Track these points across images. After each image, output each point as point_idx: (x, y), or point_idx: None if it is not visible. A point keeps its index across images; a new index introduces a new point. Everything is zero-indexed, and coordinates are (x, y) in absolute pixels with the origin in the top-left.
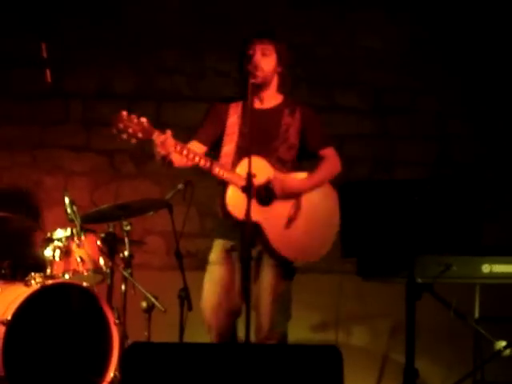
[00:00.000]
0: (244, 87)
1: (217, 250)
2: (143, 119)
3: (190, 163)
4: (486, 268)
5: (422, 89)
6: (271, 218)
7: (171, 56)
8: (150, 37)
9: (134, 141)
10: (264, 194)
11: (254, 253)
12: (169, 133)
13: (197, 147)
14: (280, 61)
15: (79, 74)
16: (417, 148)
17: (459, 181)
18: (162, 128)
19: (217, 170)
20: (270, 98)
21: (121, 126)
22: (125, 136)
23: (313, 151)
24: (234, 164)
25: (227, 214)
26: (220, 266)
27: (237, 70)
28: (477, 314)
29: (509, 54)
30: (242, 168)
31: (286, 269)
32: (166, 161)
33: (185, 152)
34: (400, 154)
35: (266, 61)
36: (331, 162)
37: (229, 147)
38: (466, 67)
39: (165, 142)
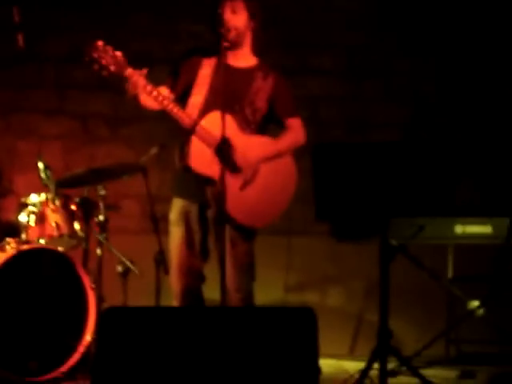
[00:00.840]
0: (217, 45)
1: (175, 210)
2: (118, 53)
3: (158, 106)
4: (458, 228)
5: (397, 50)
6: (228, 178)
7: (144, 18)
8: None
9: (105, 73)
10: (224, 151)
11: (211, 213)
12: (143, 72)
13: (165, 91)
14: (252, 17)
15: (51, 37)
16: (391, 110)
17: (431, 143)
18: None
19: (185, 118)
20: (245, 57)
21: (95, 55)
22: (96, 67)
23: (280, 119)
24: (200, 116)
25: (187, 168)
26: (179, 227)
27: (210, 29)
28: (450, 274)
29: (484, 14)
30: (208, 120)
31: (246, 229)
32: (136, 99)
33: (154, 93)
34: (374, 116)
35: (236, 18)
36: (296, 132)
37: (197, 98)
38: (442, 28)
39: (136, 81)
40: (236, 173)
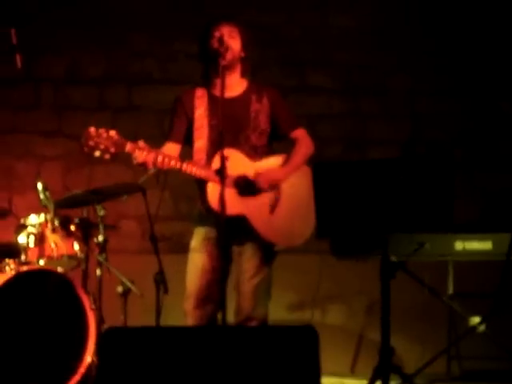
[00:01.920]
0: (207, 75)
1: (198, 237)
2: (112, 132)
3: (165, 167)
4: (458, 245)
5: (393, 67)
6: (255, 208)
7: (141, 39)
8: (119, 20)
9: (107, 156)
10: (243, 185)
11: (237, 240)
12: (141, 143)
13: (172, 148)
14: (243, 45)
15: (49, 58)
16: (388, 127)
17: (430, 159)
18: (133, 111)
19: (194, 171)
20: (236, 85)
21: (91, 143)
22: (97, 153)
23: (284, 134)
24: (209, 158)
25: (209, 210)
26: (201, 253)
27: (199, 57)
28: (451, 291)
29: (479, 32)
30: (217, 163)
31: (268, 253)
32: (145, 168)
33: (159, 159)
34: (372, 133)
35: (233, 42)
36: (305, 144)
37: (200, 142)
38: (438, 45)
39: (138, 155)
40: (260, 200)
